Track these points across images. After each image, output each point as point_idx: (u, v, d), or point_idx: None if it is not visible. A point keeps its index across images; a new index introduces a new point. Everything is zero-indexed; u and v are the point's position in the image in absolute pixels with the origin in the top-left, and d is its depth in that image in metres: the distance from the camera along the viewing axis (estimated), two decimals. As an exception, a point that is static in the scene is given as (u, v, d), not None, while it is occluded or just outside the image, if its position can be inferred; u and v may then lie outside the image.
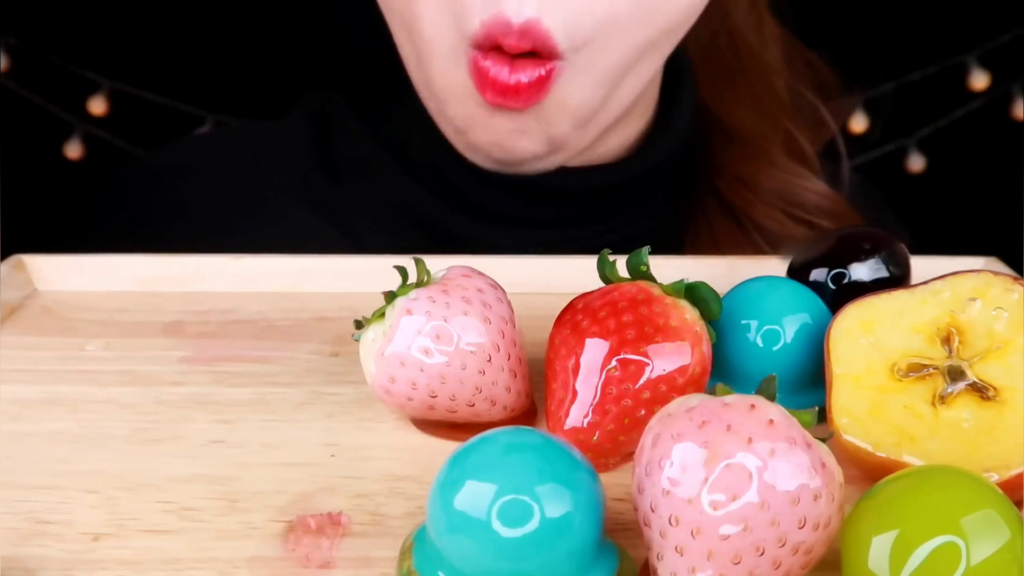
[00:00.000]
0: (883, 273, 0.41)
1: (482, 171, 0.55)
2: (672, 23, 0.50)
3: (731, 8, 0.62)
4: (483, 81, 0.47)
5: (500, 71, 0.46)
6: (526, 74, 0.47)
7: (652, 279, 0.36)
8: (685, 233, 0.62)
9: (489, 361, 0.35)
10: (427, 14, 0.48)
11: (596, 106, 0.51)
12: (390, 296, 0.36)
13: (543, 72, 0.47)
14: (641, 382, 0.34)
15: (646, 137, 0.60)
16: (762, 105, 0.64)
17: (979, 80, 1.07)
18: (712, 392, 0.28)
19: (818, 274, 0.41)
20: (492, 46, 0.46)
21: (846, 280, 0.41)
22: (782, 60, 0.65)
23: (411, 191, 0.58)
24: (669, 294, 0.35)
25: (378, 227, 0.59)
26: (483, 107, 0.49)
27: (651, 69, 0.52)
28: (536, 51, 0.46)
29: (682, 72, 0.60)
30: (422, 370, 0.35)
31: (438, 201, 0.58)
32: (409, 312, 0.35)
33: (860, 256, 0.41)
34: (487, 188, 0.56)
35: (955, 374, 0.34)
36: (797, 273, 0.41)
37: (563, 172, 0.56)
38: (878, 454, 0.33)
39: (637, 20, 0.48)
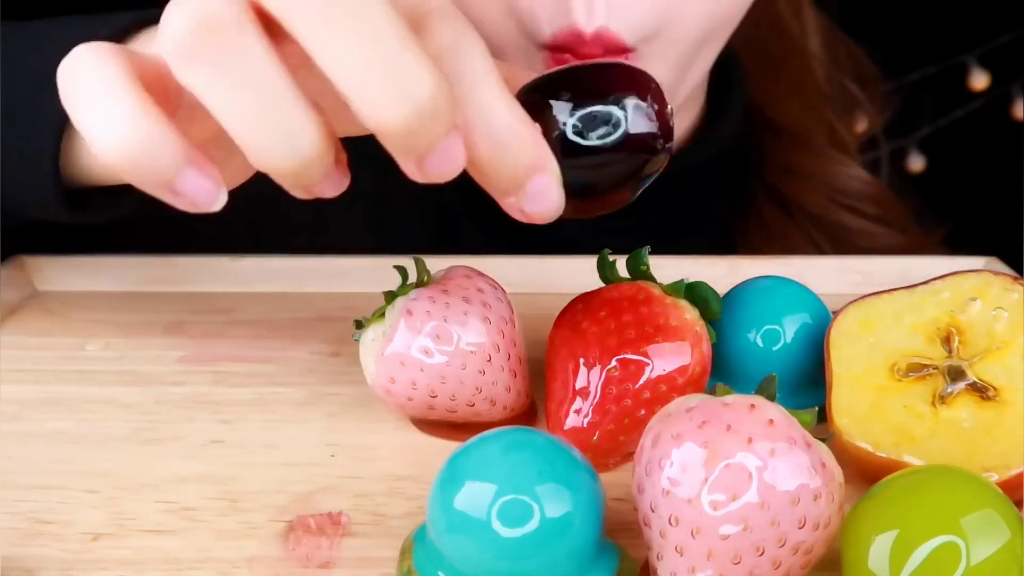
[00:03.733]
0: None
1: None
2: (728, 12, 0.51)
3: None
4: None
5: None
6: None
7: (652, 279, 0.36)
8: (736, 225, 0.63)
9: (489, 361, 0.35)
10: (492, 24, 0.49)
11: (668, 88, 0.52)
12: (390, 296, 0.36)
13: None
14: (641, 382, 0.34)
15: (697, 132, 0.61)
16: (805, 95, 0.66)
17: (979, 80, 1.07)
18: (712, 392, 0.28)
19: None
20: (564, 51, 0.48)
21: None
22: (823, 49, 0.66)
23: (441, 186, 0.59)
24: (669, 294, 0.35)
25: (408, 222, 0.60)
26: None
27: (711, 58, 0.53)
28: (608, 52, 0.48)
29: (731, 67, 0.61)
30: (422, 370, 0.35)
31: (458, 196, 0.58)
32: (409, 312, 0.35)
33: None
34: None
35: (955, 374, 0.34)
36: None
37: None
38: (878, 454, 0.33)
39: (697, 11, 0.49)
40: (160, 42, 0.26)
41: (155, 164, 0.26)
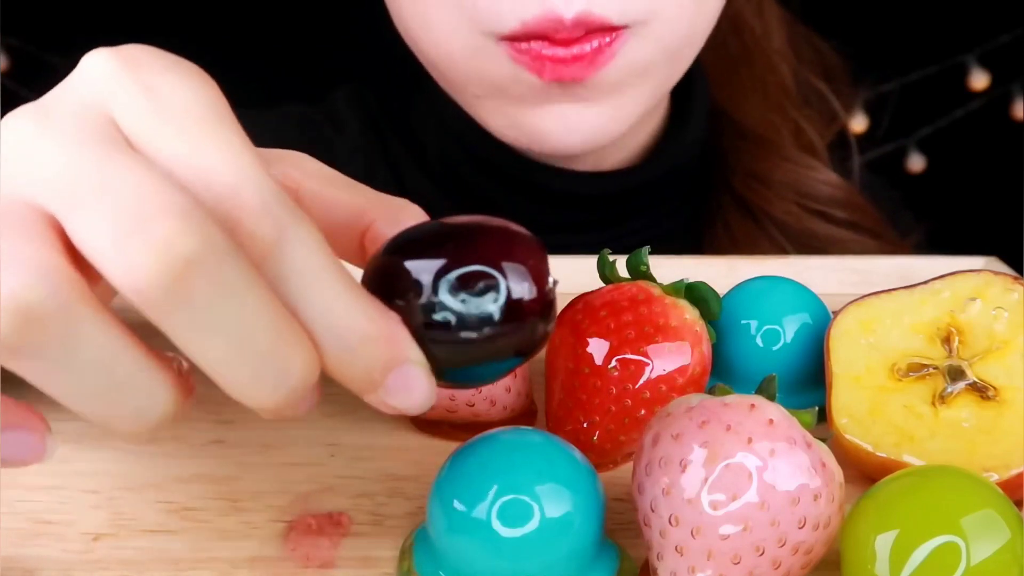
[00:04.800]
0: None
1: (499, 175, 0.55)
2: (715, 4, 0.49)
3: None
4: (538, 61, 0.45)
5: (555, 50, 0.45)
6: (589, 44, 0.45)
7: (652, 279, 0.36)
8: (703, 234, 0.62)
9: (489, 361, 0.35)
10: (437, 25, 0.47)
11: (654, 81, 0.50)
12: (390, 296, 0.36)
13: (607, 40, 0.45)
14: (641, 382, 0.33)
15: (661, 140, 0.59)
16: (768, 94, 0.64)
17: (979, 80, 1.07)
18: (712, 392, 0.28)
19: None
20: (536, 38, 0.45)
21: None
22: (787, 45, 0.64)
23: (432, 194, 0.58)
24: (669, 294, 0.35)
25: None
26: (534, 88, 0.47)
27: (694, 54, 0.52)
28: (592, 34, 0.45)
29: (693, 74, 0.59)
30: (422, 370, 0.35)
31: (453, 202, 0.58)
32: (409, 312, 0.35)
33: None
34: (504, 192, 0.56)
35: (955, 374, 0.34)
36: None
37: (580, 177, 0.55)
38: (878, 454, 0.33)
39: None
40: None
41: None
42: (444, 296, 0.24)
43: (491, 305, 0.24)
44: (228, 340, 0.22)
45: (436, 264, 0.24)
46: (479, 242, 0.24)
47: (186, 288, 0.21)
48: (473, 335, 0.24)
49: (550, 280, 0.25)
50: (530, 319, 0.24)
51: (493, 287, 0.24)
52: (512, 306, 0.24)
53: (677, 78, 0.53)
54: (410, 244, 0.25)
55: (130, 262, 0.21)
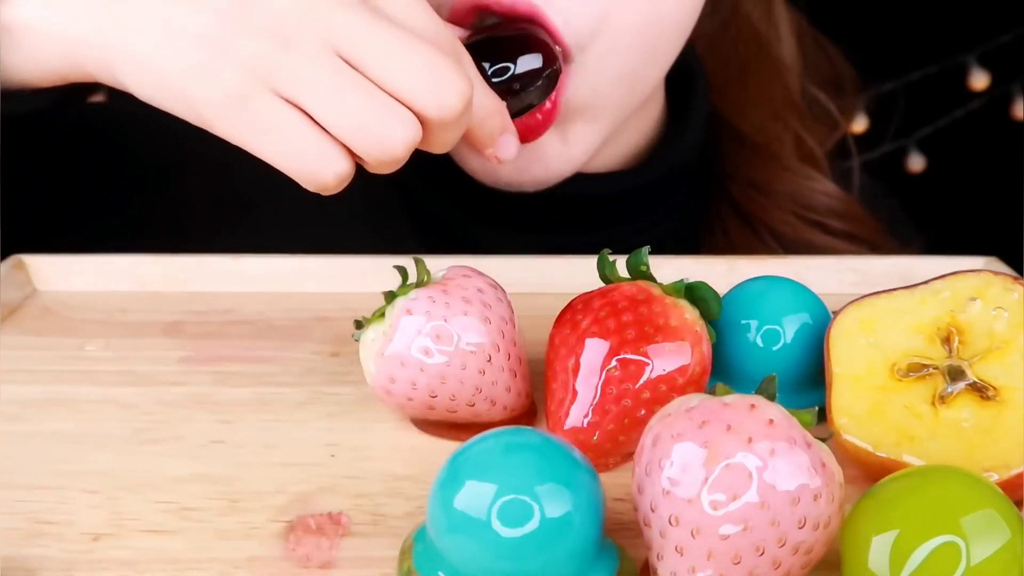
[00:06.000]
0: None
1: None
2: (674, 17, 0.49)
3: None
4: None
5: None
6: None
7: (652, 279, 0.36)
8: (700, 241, 0.61)
9: (489, 361, 0.35)
10: None
11: (611, 107, 0.49)
12: (390, 296, 0.36)
13: None
14: (641, 382, 0.34)
15: (657, 143, 0.59)
16: (773, 104, 0.63)
17: (979, 80, 1.07)
18: (712, 392, 0.28)
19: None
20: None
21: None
22: (796, 53, 0.63)
23: (431, 199, 0.58)
24: (669, 294, 0.35)
25: (390, 227, 0.59)
26: None
27: (661, 66, 0.51)
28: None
29: (693, 76, 0.59)
30: (422, 370, 0.35)
31: (449, 205, 0.57)
32: (409, 312, 0.35)
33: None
34: (498, 193, 0.56)
35: (955, 374, 0.34)
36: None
37: (575, 179, 0.55)
38: (878, 454, 0.33)
39: (634, 18, 0.47)
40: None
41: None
42: (494, 75, 0.43)
43: (518, 77, 0.43)
44: (462, 129, 0.39)
45: (489, 64, 0.42)
46: (512, 47, 0.43)
47: (463, 111, 0.37)
48: (519, 92, 0.43)
49: (546, 70, 0.44)
50: (537, 81, 0.43)
51: (511, 70, 0.43)
52: (529, 75, 0.43)
53: (643, 97, 0.52)
54: (478, 52, 0.42)
55: (442, 101, 0.36)
